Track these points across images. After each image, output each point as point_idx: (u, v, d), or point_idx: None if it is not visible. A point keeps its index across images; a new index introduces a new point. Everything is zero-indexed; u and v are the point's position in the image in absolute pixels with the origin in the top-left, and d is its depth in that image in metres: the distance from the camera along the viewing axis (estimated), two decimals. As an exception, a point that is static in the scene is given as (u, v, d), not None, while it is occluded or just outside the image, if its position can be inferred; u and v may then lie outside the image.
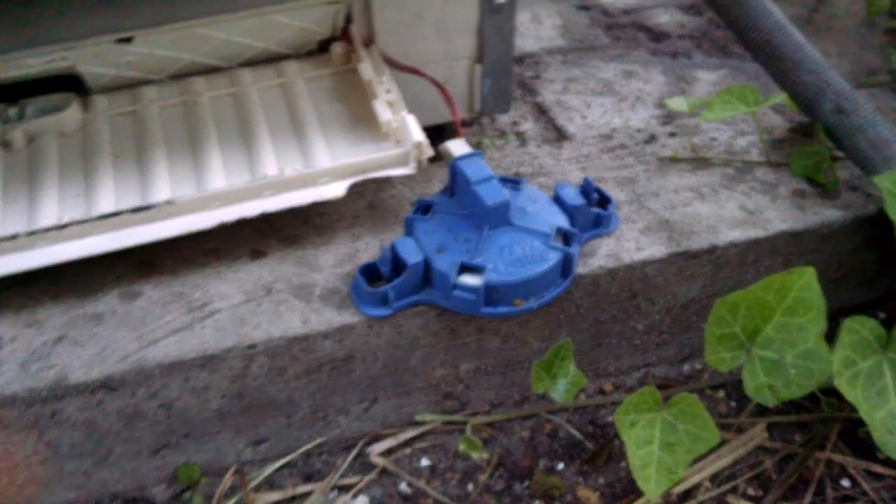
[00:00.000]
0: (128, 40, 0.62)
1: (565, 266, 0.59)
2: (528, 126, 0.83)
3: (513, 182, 0.64)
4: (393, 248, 0.58)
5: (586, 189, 0.64)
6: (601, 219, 0.63)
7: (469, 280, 0.57)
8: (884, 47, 0.96)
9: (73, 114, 0.64)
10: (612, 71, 0.92)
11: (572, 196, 0.62)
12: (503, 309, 0.58)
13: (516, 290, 0.57)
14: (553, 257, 0.58)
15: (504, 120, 0.84)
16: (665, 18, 1.05)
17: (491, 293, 0.57)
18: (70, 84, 0.67)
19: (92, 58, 0.63)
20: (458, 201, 0.62)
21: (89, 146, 0.63)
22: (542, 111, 0.85)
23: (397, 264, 0.58)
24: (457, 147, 0.62)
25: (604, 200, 0.64)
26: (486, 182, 0.59)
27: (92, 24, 0.61)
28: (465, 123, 0.83)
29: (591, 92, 0.88)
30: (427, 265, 0.58)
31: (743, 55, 0.97)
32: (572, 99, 0.86)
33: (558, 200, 0.63)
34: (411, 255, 0.57)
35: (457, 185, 0.62)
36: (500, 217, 0.59)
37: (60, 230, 0.55)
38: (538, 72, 0.92)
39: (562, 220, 0.61)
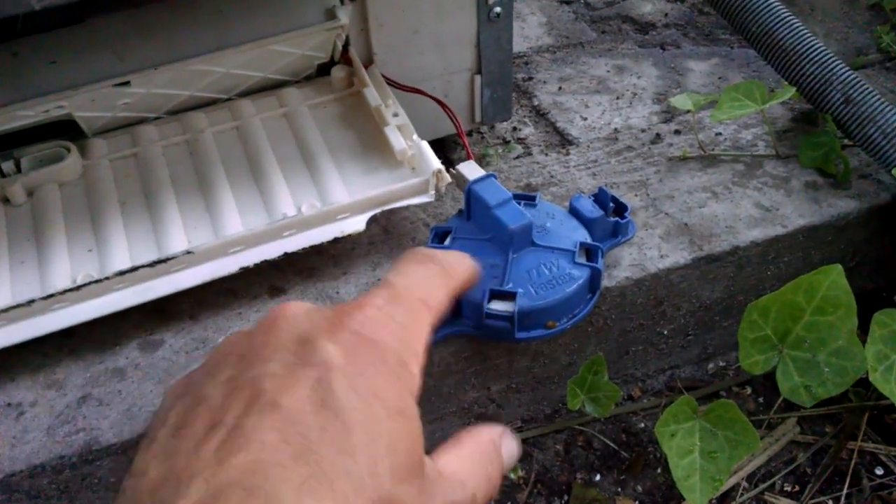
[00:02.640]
0: (125, 84, 0.60)
1: (593, 282, 0.59)
2: (529, 131, 0.82)
3: (528, 199, 0.63)
4: None
5: (601, 198, 0.63)
6: (619, 227, 0.63)
7: (501, 307, 0.56)
8: (868, 24, 0.96)
9: (72, 162, 0.62)
10: (604, 67, 0.91)
11: (589, 208, 0.61)
12: (537, 332, 0.57)
13: (549, 312, 0.57)
14: (581, 275, 0.57)
15: (504, 127, 0.83)
16: (648, 8, 1.05)
17: (524, 318, 0.56)
18: (62, 128, 0.64)
19: (88, 103, 0.61)
20: (476, 225, 0.61)
21: (94, 195, 0.61)
22: (540, 114, 0.84)
23: None
24: (469, 171, 0.61)
25: (620, 209, 0.63)
26: (505, 204, 0.58)
27: (88, 72, 0.59)
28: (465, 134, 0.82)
29: (586, 90, 0.87)
30: None
31: (730, 41, 0.97)
32: (569, 99, 0.85)
33: (575, 213, 0.62)
34: None
35: (474, 209, 0.61)
36: (523, 239, 0.58)
37: (77, 291, 0.53)
38: (530, 73, 0.92)
39: (582, 235, 0.60)
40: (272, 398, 0.29)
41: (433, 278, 0.38)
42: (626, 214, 0.63)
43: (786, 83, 0.72)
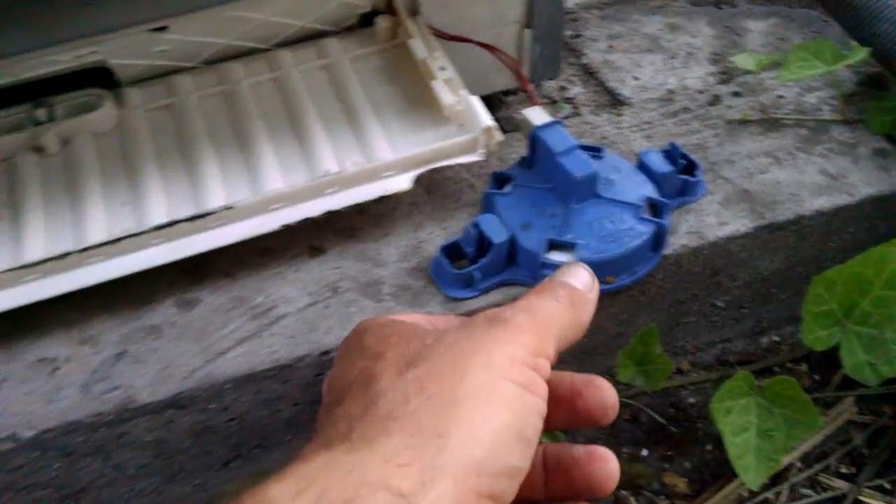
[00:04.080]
0: (162, 29, 0.57)
1: (657, 239, 0.56)
2: (578, 91, 0.79)
3: (594, 150, 0.60)
4: (477, 227, 0.55)
5: (672, 154, 0.60)
6: (689, 186, 0.60)
7: (559, 258, 0.53)
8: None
9: (107, 111, 0.59)
10: (656, 25, 0.87)
11: (659, 163, 0.59)
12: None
13: (609, 266, 0.54)
14: (645, 231, 0.55)
15: (551, 85, 0.80)
16: (702, -37, 0.99)
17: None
18: (95, 77, 0.62)
19: (123, 50, 0.58)
20: (538, 174, 0.59)
21: (129, 146, 0.59)
22: (589, 73, 0.81)
23: (482, 243, 0.55)
24: (535, 116, 0.58)
25: (691, 166, 0.60)
26: (570, 153, 0.56)
27: (123, 16, 0.56)
28: (510, 92, 0.78)
29: (637, 49, 0.83)
30: (513, 243, 0.55)
31: (788, 0, 0.92)
32: (620, 58, 0.81)
33: (643, 168, 0.59)
34: (497, 233, 0.54)
35: (537, 156, 0.58)
36: (587, 190, 0.56)
37: (114, 244, 0.51)
38: (578, 30, 0.87)
39: (649, 190, 0.58)
40: None
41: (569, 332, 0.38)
42: (696, 172, 0.60)
43: (855, 44, 0.68)
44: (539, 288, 0.38)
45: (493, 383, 0.31)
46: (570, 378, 0.39)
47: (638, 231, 0.55)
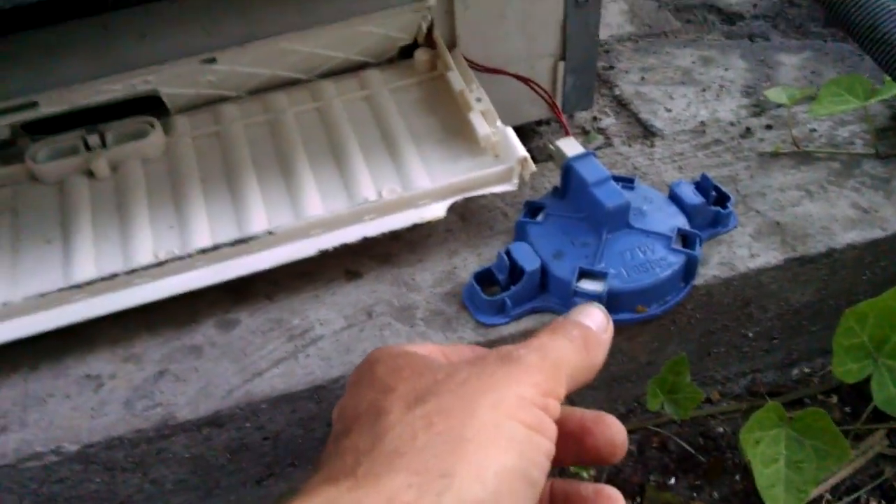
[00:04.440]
0: (211, 60, 0.60)
1: (688, 269, 0.57)
2: (610, 122, 0.80)
3: (626, 181, 0.61)
4: (509, 254, 0.56)
5: (703, 186, 0.61)
6: (720, 217, 0.61)
7: (590, 286, 0.54)
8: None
9: (156, 138, 0.62)
10: (689, 57, 0.88)
11: (690, 194, 0.59)
12: (625, 315, 0.55)
13: (640, 296, 0.55)
14: (676, 261, 0.56)
15: (583, 116, 0.81)
16: (735, -3, 1.01)
17: (613, 300, 0.54)
18: (146, 105, 0.65)
19: (173, 79, 0.61)
20: (571, 203, 0.60)
21: (176, 172, 0.61)
22: (622, 105, 0.82)
23: (514, 271, 0.56)
24: (569, 147, 0.59)
25: (722, 198, 0.61)
26: (603, 183, 0.57)
27: (175, 47, 0.59)
28: (543, 122, 0.80)
29: (670, 81, 0.84)
30: (544, 271, 0.56)
31: (822, 34, 0.93)
32: (652, 90, 0.83)
33: (675, 199, 0.60)
34: (529, 261, 0.55)
35: (570, 186, 0.60)
36: (619, 220, 0.57)
37: (159, 267, 0.53)
38: (611, 61, 0.89)
39: (681, 221, 0.59)
40: None
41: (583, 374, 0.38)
42: (728, 204, 0.61)
43: (888, 79, 0.68)
44: (553, 327, 0.38)
45: (501, 423, 0.31)
46: (580, 414, 0.39)
47: (669, 261, 0.56)
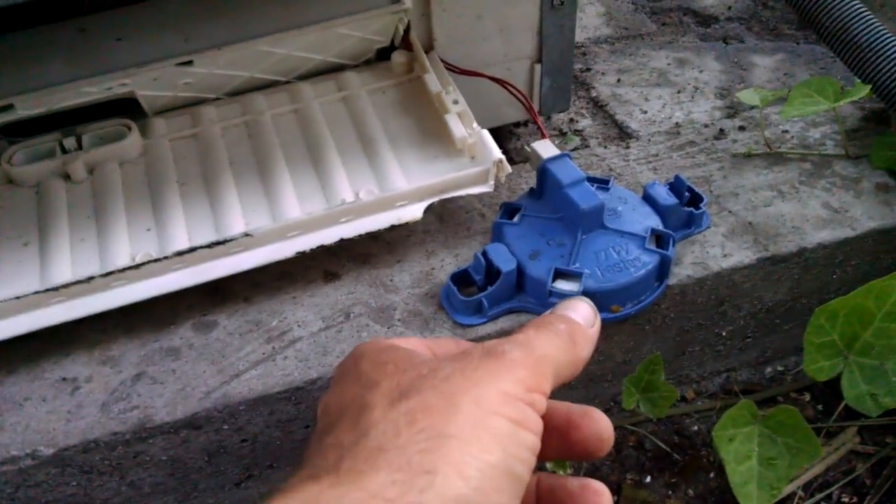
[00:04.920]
0: (188, 63, 0.60)
1: (662, 269, 0.58)
2: (587, 123, 0.81)
3: (601, 182, 0.62)
4: (485, 255, 0.57)
5: (677, 187, 0.62)
6: (693, 218, 0.61)
7: (566, 286, 0.55)
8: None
9: (133, 140, 0.62)
10: (665, 59, 0.89)
11: (664, 195, 0.60)
12: (601, 315, 0.55)
13: (615, 295, 0.56)
14: (650, 261, 0.57)
15: (560, 118, 0.82)
16: (711, 0, 1.02)
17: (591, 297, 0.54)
18: (123, 107, 0.64)
19: (150, 82, 0.61)
20: (547, 204, 0.60)
21: (153, 174, 0.61)
22: (598, 106, 0.83)
23: (490, 271, 0.57)
24: (544, 149, 0.60)
25: (695, 199, 0.62)
26: (578, 185, 0.58)
27: (152, 50, 0.59)
28: (521, 124, 0.80)
29: (646, 83, 0.85)
30: (521, 271, 0.56)
31: (795, 36, 0.94)
32: (628, 92, 0.83)
33: (649, 200, 0.61)
34: (505, 262, 0.56)
35: (546, 187, 0.60)
36: (594, 221, 0.58)
37: (136, 269, 0.53)
38: (588, 63, 0.90)
39: (654, 221, 0.59)
40: None
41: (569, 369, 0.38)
42: (700, 205, 0.62)
43: (858, 81, 0.70)
44: (539, 321, 0.38)
45: (485, 419, 0.31)
46: (566, 408, 0.38)
47: (643, 261, 0.56)
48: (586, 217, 0.57)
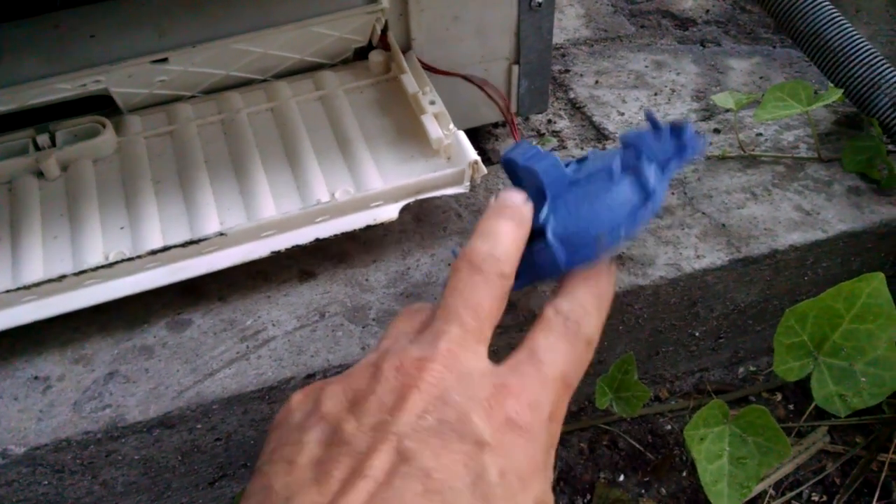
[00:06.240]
0: (163, 60, 0.60)
1: (642, 187, 0.49)
2: (564, 124, 0.81)
3: (580, 160, 0.54)
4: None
5: (652, 120, 0.53)
6: (681, 147, 0.52)
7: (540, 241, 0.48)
8: (915, 27, 0.94)
9: (107, 138, 0.62)
10: (643, 62, 0.90)
11: (633, 134, 0.52)
12: (585, 252, 0.48)
13: (592, 228, 0.48)
14: (620, 181, 0.49)
15: (538, 119, 0.82)
16: (689, 3, 1.03)
17: (567, 242, 0.48)
18: (97, 104, 0.64)
19: (125, 79, 0.60)
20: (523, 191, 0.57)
21: (128, 172, 0.61)
22: (576, 108, 0.83)
23: None
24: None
25: (677, 128, 0.52)
26: (533, 156, 0.51)
27: (127, 47, 0.58)
28: (500, 125, 0.81)
29: (623, 85, 0.85)
30: None
31: (772, 40, 0.95)
32: (606, 93, 0.84)
33: (623, 143, 0.53)
34: None
35: (514, 176, 0.57)
36: (554, 177, 0.50)
37: (109, 268, 0.53)
38: (566, 65, 0.90)
39: (629, 158, 0.51)
40: (424, 465, 0.29)
41: (581, 357, 0.39)
42: (684, 133, 0.51)
43: (831, 85, 0.71)
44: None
45: None
46: None
47: (611, 187, 0.49)
48: (542, 174, 0.50)
